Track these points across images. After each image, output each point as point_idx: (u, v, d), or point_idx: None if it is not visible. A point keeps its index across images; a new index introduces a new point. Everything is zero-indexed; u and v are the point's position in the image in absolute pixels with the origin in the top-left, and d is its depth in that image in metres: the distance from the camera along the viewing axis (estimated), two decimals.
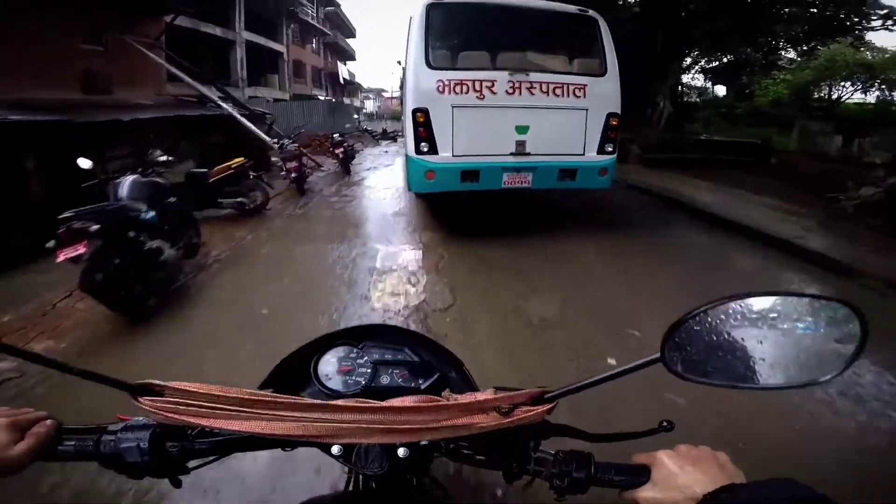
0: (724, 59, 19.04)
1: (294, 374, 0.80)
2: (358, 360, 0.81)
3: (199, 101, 9.74)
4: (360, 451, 0.62)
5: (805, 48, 15.51)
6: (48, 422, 0.60)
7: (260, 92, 20.24)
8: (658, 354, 0.54)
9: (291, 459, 1.82)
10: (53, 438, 0.59)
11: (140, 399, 0.56)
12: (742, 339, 0.52)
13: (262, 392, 0.58)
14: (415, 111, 4.59)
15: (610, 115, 4.84)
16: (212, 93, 10.14)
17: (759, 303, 0.51)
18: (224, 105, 9.44)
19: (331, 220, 6.42)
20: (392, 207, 7.12)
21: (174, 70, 9.53)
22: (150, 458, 0.58)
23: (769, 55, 17.28)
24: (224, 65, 18.55)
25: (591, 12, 5.06)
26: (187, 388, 0.56)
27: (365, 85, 53.21)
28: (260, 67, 21.55)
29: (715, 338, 0.52)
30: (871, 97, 17.71)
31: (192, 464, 0.64)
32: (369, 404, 0.57)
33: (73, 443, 0.59)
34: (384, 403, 0.58)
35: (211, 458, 0.65)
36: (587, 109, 4.78)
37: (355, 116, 33.26)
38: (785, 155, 9.46)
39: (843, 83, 17.91)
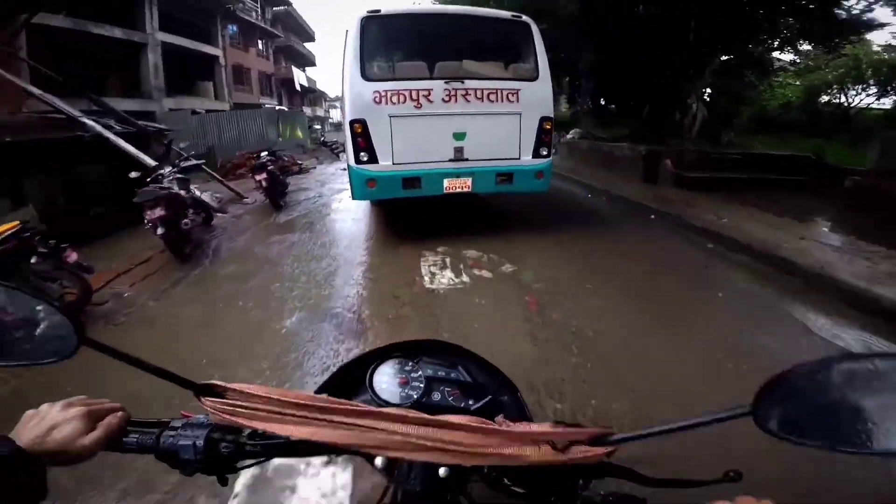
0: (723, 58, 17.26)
1: (350, 381, 0.83)
2: (412, 374, 0.82)
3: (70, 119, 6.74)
4: (402, 466, 0.63)
5: (822, 46, 13.51)
6: (119, 413, 0.63)
7: (186, 103, 17.86)
8: (749, 407, 0.48)
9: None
10: (122, 429, 0.63)
11: (203, 399, 0.60)
12: (854, 400, 0.47)
13: (318, 396, 0.60)
14: (352, 122, 4.70)
15: (543, 119, 5.03)
16: (86, 108, 7.52)
17: (879, 365, 0.47)
18: (88, 121, 6.45)
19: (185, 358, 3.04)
20: (349, 301, 3.69)
21: (18, 81, 7.24)
22: (202, 457, 0.61)
23: (765, 53, 15.28)
24: (135, 73, 16.30)
25: (524, 18, 5.22)
26: (248, 391, 0.59)
27: (331, 94, 49.30)
28: (187, 74, 19.39)
29: (820, 397, 0.47)
30: (888, 102, 15.83)
31: (239, 464, 0.67)
32: (421, 416, 0.57)
33: (136, 436, 0.63)
34: (437, 417, 0.58)
35: (259, 459, 0.67)
36: (520, 114, 4.96)
37: (317, 127, 31.49)
38: (859, 175, 6.13)
39: (861, 86, 16.11)
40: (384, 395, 0.79)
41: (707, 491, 0.57)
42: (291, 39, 33.80)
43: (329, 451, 0.65)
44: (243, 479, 1.74)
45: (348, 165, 5.17)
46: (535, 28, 5.17)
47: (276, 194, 7.67)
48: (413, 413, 0.57)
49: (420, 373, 0.82)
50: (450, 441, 0.55)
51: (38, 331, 0.58)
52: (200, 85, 20.62)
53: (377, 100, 4.65)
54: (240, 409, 0.58)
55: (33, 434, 0.57)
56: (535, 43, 5.11)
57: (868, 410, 0.46)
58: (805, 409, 0.48)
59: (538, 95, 5.05)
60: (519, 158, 5.06)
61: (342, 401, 0.59)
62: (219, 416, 0.58)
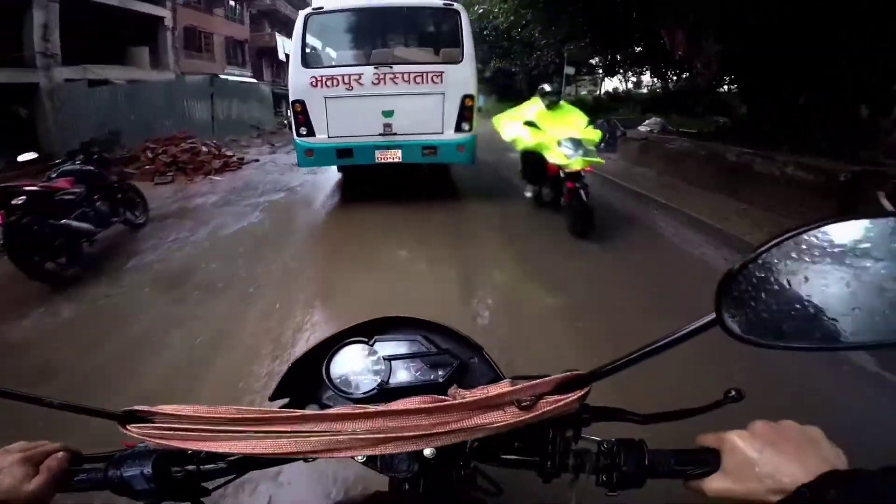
0: None
1: (308, 378, 0.78)
2: (370, 358, 0.77)
3: None
4: (385, 457, 0.60)
5: None
6: (60, 454, 0.60)
7: (106, 73, 14.02)
8: (713, 315, 0.44)
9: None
10: (66, 470, 0.59)
11: (128, 427, 0.56)
12: (822, 283, 0.41)
13: (250, 409, 0.55)
14: (293, 102, 5.66)
15: (465, 97, 5.68)
16: None
17: (843, 231, 0.40)
18: None
19: None
20: None
21: None
22: (156, 485, 0.57)
23: None
24: (18, 35, 12.49)
25: (455, 5, 5.91)
26: (174, 413, 0.55)
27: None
28: (116, 37, 15.86)
29: (786, 286, 0.41)
30: None
31: (211, 485, 0.64)
32: (366, 410, 0.54)
33: (86, 474, 0.60)
34: (383, 408, 0.54)
35: (229, 477, 0.64)
36: (444, 93, 5.64)
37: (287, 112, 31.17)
38: None
39: None
40: (345, 387, 0.75)
41: (708, 418, 0.53)
42: (277, 2, 29.57)
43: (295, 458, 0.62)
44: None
45: (295, 138, 6.14)
46: (463, 14, 5.85)
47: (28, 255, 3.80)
48: (358, 409, 0.54)
49: (378, 354, 0.77)
50: (404, 428, 0.52)
51: None
52: (132, 51, 16.69)
53: (314, 83, 5.54)
54: (168, 433, 0.55)
55: None
56: (462, 28, 5.76)
57: (845, 294, 0.40)
58: (773, 304, 0.42)
59: (461, 76, 5.70)
60: (442, 133, 5.75)
61: (277, 410, 0.56)
62: (151, 441, 0.56)
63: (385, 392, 0.70)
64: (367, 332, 0.79)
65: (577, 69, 24.40)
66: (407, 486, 0.66)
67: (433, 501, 0.66)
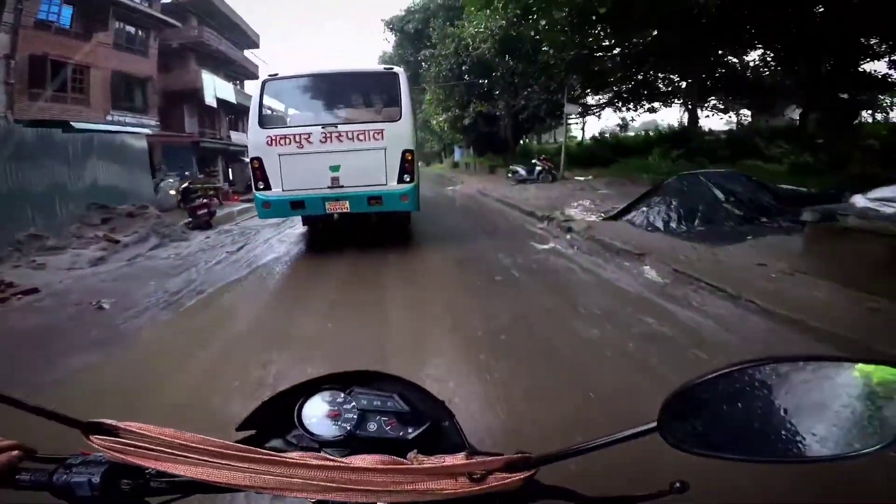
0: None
1: (279, 416, 0.81)
2: (345, 406, 0.80)
3: None
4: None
5: None
6: (14, 452, 0.61)
7: None
8: (654, 423, 0.50)
9: None
10: (14, 467, 0.61)
11: (91, 437, 0.58)
12: (760, 408, 0.47)
13: (213, 440, 0.58)
14: (251, 159, 6.44)
15: (405, 152, 6.41)
16: None
17: (784, 369, 0.47)
18: None
19: None
20: None
21: None
22: (99, 494, 0.58)
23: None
24: None
25: (394, 69, 6.78)
26: (141, 431, 0.58)
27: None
28: None
29: (725, 407, 0.48)
30: None
31: (153, 501, 0.65)
32: (326, 462, 0.56)
33: (30, 474, 0.61)
34: (342, 461, 0.57)
35: (172, 497, 0.65)
36: (385, 148, 6.35)
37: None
38: None
39: None
40: (315, 430, 0.78)
41: None
42: (205, 35, 24.54)
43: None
44: None
45: (254, 192, 6.88)
46: (402, 76, 6.67)
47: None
48: (318, 458, 0.57)
49: (353, 404, 0.80)
50: (357, 481, 0.54)
51: None
52: None
53: (269, 142, 6.29)
54: (130, 448, 0.57)
55: None
56: (401, 89, 6.55)
57: (782, 420, 0.47)
58: (710, 420, 0.49)
59: (400, 132, 6.44)
60: (386, 184, 6.45)
61: (240, 446, 0.58)
62: (110, 454, 0.57)
63: (352, 440, 0.73)
64: (346, 381, 0.84)
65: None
66: None
67: None
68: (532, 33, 15.14)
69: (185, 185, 13.61)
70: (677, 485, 0.53)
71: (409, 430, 0.78)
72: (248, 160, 6.59)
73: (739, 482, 1.75)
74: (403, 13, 32.73)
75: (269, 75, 6.69)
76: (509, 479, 0.55)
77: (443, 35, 24.03)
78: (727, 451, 0.49)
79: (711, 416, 0.49)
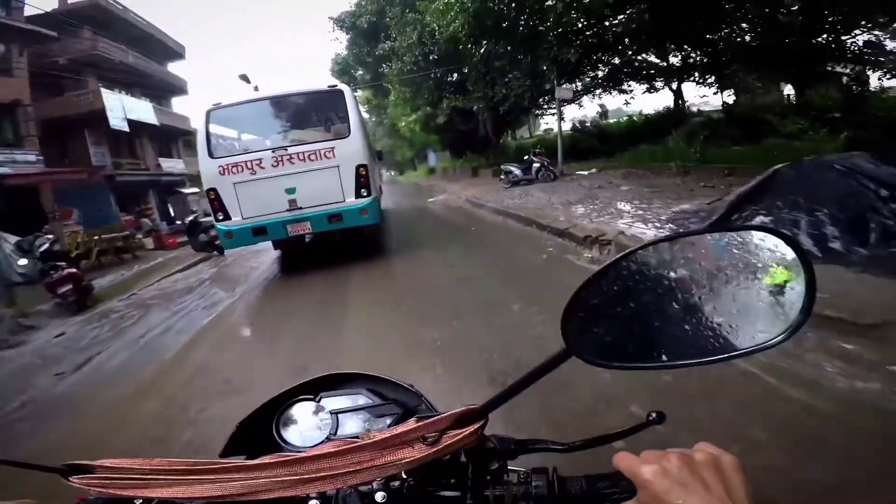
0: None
1: (258, 434, 0.92)
2: (318, 413, 0.93)
3: None
4: (338, 499, 0.68)
5: None
6: None
7: None
8: (564, 347, 0.54)
9: None
10: None
11: (71, 478, 0.67)
12: (657, 301, 0.51)
13: (182, 460, 0.68)
14: (207, 191, 6.99)
15: (359, 167, 7.04)
16: None
17: (664, 251, 0.50)
18: None
19: None
20: None
21: None
22: None
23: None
24: None
25: (339, 86, 7.35)
26: (114, 465, 0.68)
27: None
28: None
29: (621, 307, 0.52)
30: None
31: None
32: (284, 458, 0.65)
33: None
34: (299, 455, 0.65)
35: None
36: (338, 166, 6.99)
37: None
38: None
39: None
40: (295, 441, 0.89)
41: (633, 441, 0.61)
42: (100, 45, 22.53)
43: None
44: None
45: (215, 224, 7.36)
46: (347, 93, 7.22)
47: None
48: (277, 458, 0.67)
49: (325, 409, 0.93)
50: (318, 470, 0.64)
51: None
52: None
53: (222, 172, 6.86)
54: (108, 482, 0.67)
55: None
56: (348, 105, 7.16)
57: (679, 312, 0.50)
58: (616, 327, 0.54)
59: (351, 148, 7.06)
60: (344, 201, 7.07)
61: (202, 461, 0.68)
62: (93, 490, 0.67)
63: (333, 444, 0.76)
64: (314, 389, 0.96)
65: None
66: None
67: None
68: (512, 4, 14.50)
69: (44, 246, 11.38)
70: (653, 416, 0.59)
71: (387, 421, 0.89)
72: (186, 192, 7.62)
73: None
74: (353, 7, 31.12)
75: (213, 105, 7.21)
76: (462, 434, 0.63)
77: (402, 24, 22.63)
78: (642, 360, 0.55)
79: (612, 322, 0.54)
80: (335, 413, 0.94)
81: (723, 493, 0.50)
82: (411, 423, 0.66)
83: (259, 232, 7.25)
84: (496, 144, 25.84)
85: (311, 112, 7.98)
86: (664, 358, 0.53)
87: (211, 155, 7.11)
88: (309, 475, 0.65)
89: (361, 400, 0.97)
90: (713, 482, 0.51)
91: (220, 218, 7.18)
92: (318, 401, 0.97)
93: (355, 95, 7.66)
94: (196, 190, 20.15)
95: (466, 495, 0.68)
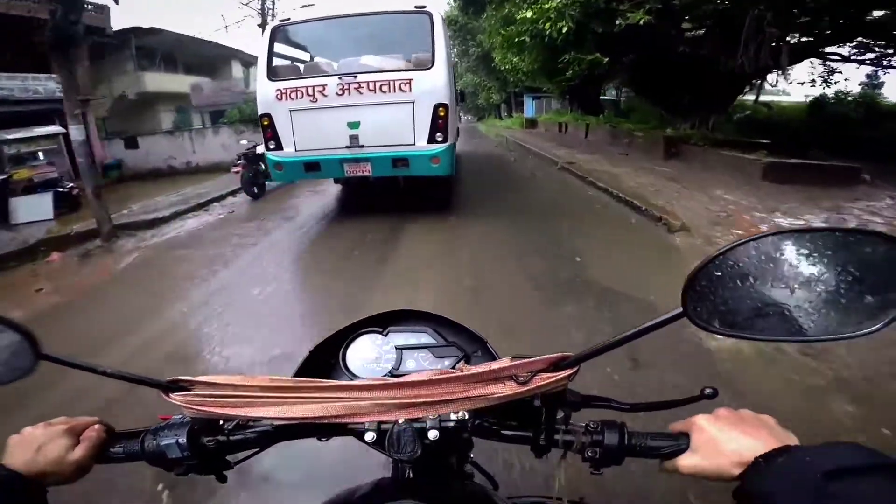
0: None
1: (325, 363, 0.95)
2: (383, 347, 0.96)
3: None
4: (392, 438, 0.70)
5: None
6: (97, 426, 0.73)
7: None
8: (680, 309, 0.57)
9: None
10: (105, 441, 0.73)
11: (171, 395, 0.69)
12: (774, 283, 0.54)
13: (282, 378, 0.70)
14: (261, 116, 6.29)
15: (437, 106, 6.03)
16: None
17: (794, 241, 0.53)
18: None
19: None
20: None
21: None
22: (189, 454, 0.71)
23: None
24: None
25: (427, 8, 6.24)
26: (213, 381, 0.69)
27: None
28: None
29: (743, 283, 0.54)
30: None
31: (233, 459, 0.78)
32: (385, 381, 0.68)
33: (122, 446, 0.73)
34: (400, 379, 0.69)
35: (250, 451, 0.78)
36: (414, 102, 6.03)
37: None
38: None
39: None
40: (359, 373, 0.93)
41: (683, 411, 0.68)
42: None
43: (317, 432, 0.77)
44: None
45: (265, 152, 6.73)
46: (437, 17, 6.18)
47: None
48: (378, 380, 0.69)
49: (390, 344, 0.96)
50: (418, 395, 0.67)
51: None
52: None
53: (279, 96, 6.13)
54: (208, 400, 0.68)
55: (23, 457, 0.65)
56: (435, 31, 6.12)
57: (794, 295, 0.53)
58: (732, 299, 0.55)
59: (433, 83, 6.05)
60: (414, 144, 6.17)
61: (307, 379, 0.70)
62: (191, 408, 0.68)
63: (394, 377, 0.80)
64: (382, 322, 0.98)
65: None
66: (410, 473, 0.78)
67: (436, 486, 0.78)
68: None
69: None
70: (708, 390, 0.65)
71: (446, 363, 0.92)
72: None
73: None
74: None
75: (280, 20, 6.47)
76: (554, 378, 0.67)
77: None
78: (750, 330, 0.57)
79: (731, 295, 0.55)
80: (400, 349, 0.95)
81: (768, 432, 0.58)
82: (506, 361, 0.69)
83: (311, 167, 6.56)
84: (723, 102, 13.87)
85: (390, 36, 6.86)
86: (775, 332, 0.56)
87: (270, 76, 6.36)
88: (407, 399, 0.67)
89: (425, 339, 0.97)
90: (757, 424, 0.60)
91: (272, 147, 6.53)
92: (386, 335, 0.98)
93: (445, 20, 6.51)
94: (27, 135, 12.95)
95: (540, 436, 0.72)
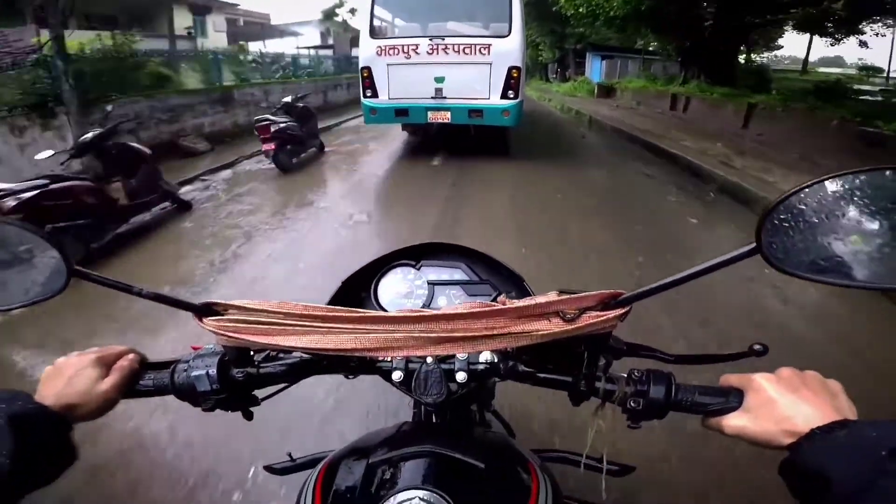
0: None
1: (356, 295, 0.95)
2: (416, 281, 0.96)
3: None
4: (419, 378, 0.70)
5: None
6: (131, 356, 0.72)
7: None
8: (753, 244, 0.53)
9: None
10: (136, 372, 0.72)
11: (204, 320, 0.67)
12: (855, 224, 0.50)
13: (316, 306, 0.67)
14: (361, 69, 7.68)
15: (511, 68, 7.31)
16: None
17: (878, 179, 0.49)
18: None
19: None
20: None
21: None
22: (218, 386, 0.69)
23: None
24: None
25: None
26: (247, 306, 0.67)
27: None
28: None
29: (823, 222, 0.51)
30: None
31: (260, 395, 0.77)
32: (421, 313, 0.64)
33: (152, 377, 0.72)
34: (436, 311, 0.65)
35: (278, 387, 0.78)
36: (491, 63, 7.30)
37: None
38: None
39: None
40: (390, 307, 0.92)
41: (731, 366, 0.65)
42: None
43: (344, 368, 0.76)
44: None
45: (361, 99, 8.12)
46: None
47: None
48: (414, 312, 0.65)
49: (423, 278, 0.95)
50: (455, 329, 0.63)
51: (28, 267, 0.65)
52: None
53: (379, 52, 7.47)
54: (241, 325, 0.66)
55: (54, 389, 0.64)
56: (513, 5, 7.36)
57: (877, 237, 0.50)
58: (810, 238, 0.52)
59: (509, 49, 7.33)
60: (489, 98, 7.48)
61: (343, 308, 0.66)
62: (223, 335, 0.67)
63: (469, 305, 0.74)
64: (415, 255, 0.99)
65: None
66: (434, 418, 0.83)
67: (459, 432, 0.80)
68: None
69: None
70: (757, 347, 0.62)
71: (478, 300, 0.85)
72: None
73: None
74: None
75: None
76: (604, 317, 0.62)
77: None
78: (826, 273, 0.52)
79: (810, 234, 0.52)
80: (432, 284, 0.98)
81: (830, 402, 0.54)
82: (552, 296, 0.65)
83: (401, 113, 7.96)
84: None
85: (473, 6, 8.24)
86: (848, 277, 0.53)
87: (372, 35, 7.70)
88: (444, 333, 0.64)
89: (458, 274, 1.00)
90: (821, 391, 0.56)
91: (369, 95, 7.90)
92: (419, 268, 1.00)
93: None
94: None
95: (580, 382, 0.70)
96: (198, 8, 22.92)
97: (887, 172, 0.49)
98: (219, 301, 0.69)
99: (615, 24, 13.92)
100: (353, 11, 28.92)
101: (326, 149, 9.82)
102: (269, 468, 1.02)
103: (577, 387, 0.69)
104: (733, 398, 0.60)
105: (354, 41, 24.56)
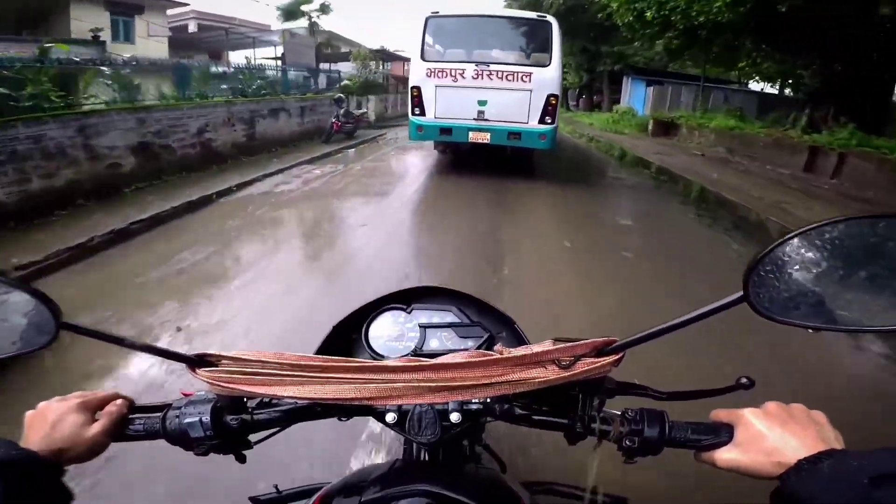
0: None
1: (347, 338, 0.96)
2: (406, 325, 0.96)
3: None
4: (413, 419, 0.70)
5: None
6: (119, 401, 0.71)
7: None
8: (741, 293, 0.56)
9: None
10: (124, 417, 0.71)
11: (197, 371, 0.68)
12: (841, 271, 0.53)
13: (313, 356, 0.68)
14: (412, 88, 8.37)
15: (550, 96, 7.98)
16: None
17: (860, 228, 0.52)
18: None
19: None
20: None
21: None
22: (212, 432, 0.69)
23: None
24: None
25: (548, 17, 8.30)
26: (242, 357, 0.67)
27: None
28: None
29: (805, 271, 0.54)
30: None
31: (253, 438, 0.77)
32: (420, 363, 0.66)
33: (142, 422, 0.72)
34: (434, 361, 0.67)
35: (271, 431, 0.78)
36: (531, 91, 7.96)
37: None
38: None
39: None
40: (381, 351, 0.93)
41: (720, 400, 0.68)
42: None
43: (339, 412, 0.76)
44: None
45: (409, 117, 8.79)
46: (555, 26, 8.12)
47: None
48: (412, 361, 0.67)
49: (414, 321, 0.96)
50: (452, 378, 0.65)
51: (15, 319, 0.64)
52: None
53: (428, 74, 8.17)
54: (236, 376, 0.66)
55: (40, 434, 0.64)
56: (553, 37, 8.07)
57: (862, 283, 0.53)
58: (795, 286, 0.54)
59: (548, 78, 8.01)
60: (527, 123, 8.14)
61: (339, 358, 0.68)
62: (218, 385, 0.67)
63: (417, 357, 0.77)
64: (405, 299, 1.02)
65: None
66: (425, 455, 0.85)
67: (451, 470, 0.81)
68: None
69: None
70: (744, 380, 0.65)
71: (470, 343, 0.94)
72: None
73: None
74: None
75: (433, 13, 8.45)
76: (597, 364, 0.66)
77: None
78: (816, 319, 0.55)
79: (794, 282, 0.54)
80: (424, 327, 0.98)
81: (816, 433, 0.58)
82: (548, 344, 0.68)
83: (445, 132, 8.62)
84: None
85: (516, 36, 8.93)
86: (844, 322, 0.55)
87: (423, 57, 8.43)
88: (442, 382, 0.66)
89: (449, 317, 1.00)
90: (807, 423, 0.59)
91: (417, 113, 8.59)
92: (410, 311, 1.01)
93: (561, 30, 8.39)
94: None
95: (576, 423, 0.72)
96: (118, 6, 18.11)
97: (863, 221, 0.53)
98: (212, 353, 0.71)
99: (698, 37, 10.53)
100: (324, 9, 23.37)
101: None
102: (254, 500, 1.03)
103: (574, 428, 0.72)
104: (724, 433, 0.64)
105: (327, 50, 24.39)
